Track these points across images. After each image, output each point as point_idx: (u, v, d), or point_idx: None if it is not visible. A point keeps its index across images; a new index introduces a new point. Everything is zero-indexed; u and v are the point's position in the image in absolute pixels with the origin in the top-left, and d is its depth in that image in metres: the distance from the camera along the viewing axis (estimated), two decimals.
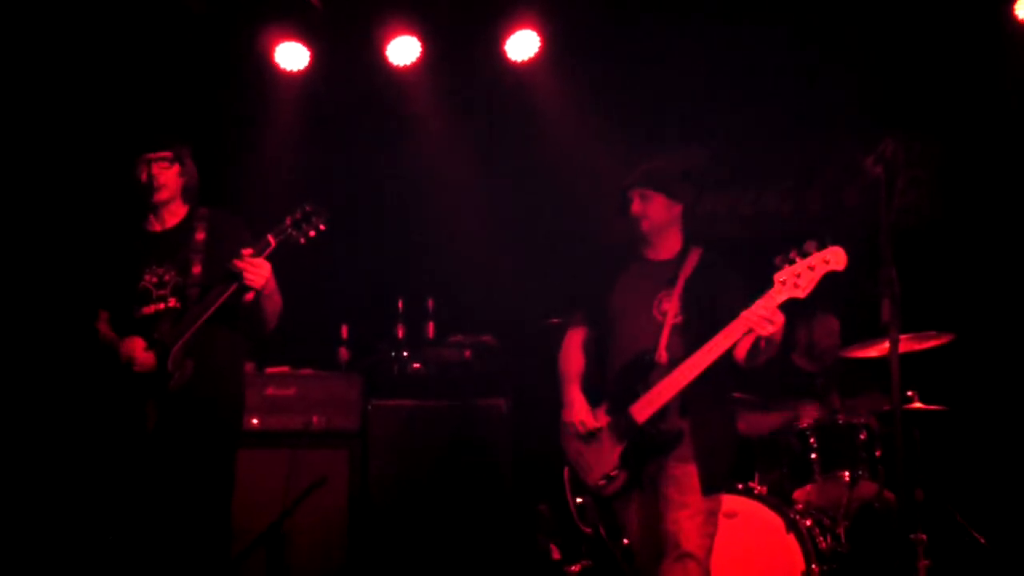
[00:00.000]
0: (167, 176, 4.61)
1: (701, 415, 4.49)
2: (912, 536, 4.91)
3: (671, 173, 4.79)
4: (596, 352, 4.76)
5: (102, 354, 4.49)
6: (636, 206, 4.64)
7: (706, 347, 4.33)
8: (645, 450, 4.46)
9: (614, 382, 4.56)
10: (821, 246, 4.19)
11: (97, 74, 6.47)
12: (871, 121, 6.68)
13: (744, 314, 4.23)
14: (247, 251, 4.35)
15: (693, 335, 4.48)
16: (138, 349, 4.39)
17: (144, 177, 4.58)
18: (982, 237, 6.63)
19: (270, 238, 4.41)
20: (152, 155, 4.59)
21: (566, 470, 4.67)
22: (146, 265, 4.55)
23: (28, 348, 6.19)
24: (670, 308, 4.55)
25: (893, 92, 6.71)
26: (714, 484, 4.48)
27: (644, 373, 4.47)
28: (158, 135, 4.65)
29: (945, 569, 5.26)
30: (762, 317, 4.19)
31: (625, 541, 4.63)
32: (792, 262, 4.21)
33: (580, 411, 4.57)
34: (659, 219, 4.65)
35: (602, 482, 4.50)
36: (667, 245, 4.71)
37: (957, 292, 6.41)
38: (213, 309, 4.38)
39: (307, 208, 4.47)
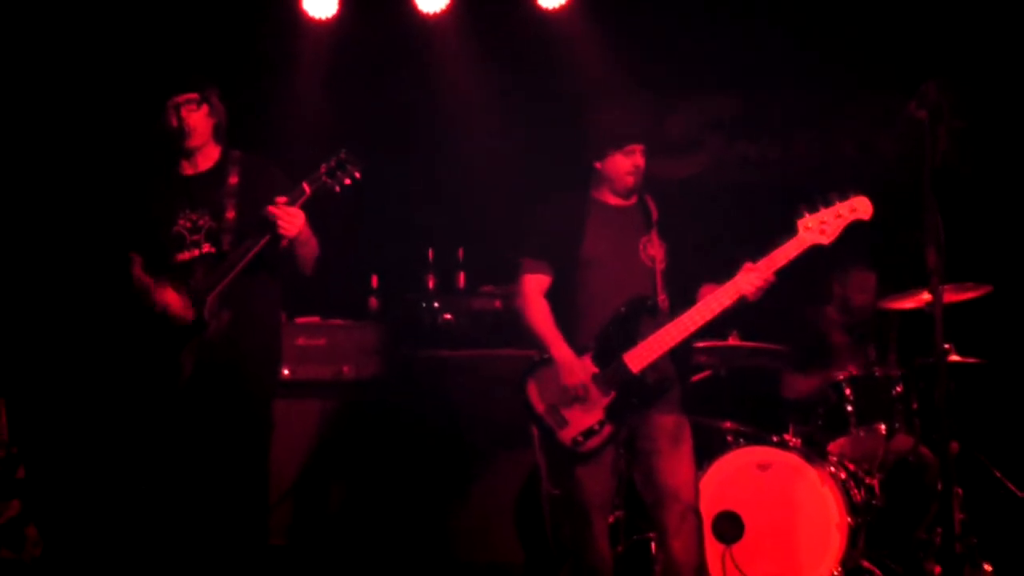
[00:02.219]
0: (196, 119, 4.55)
1: (684, 364, 4.58)
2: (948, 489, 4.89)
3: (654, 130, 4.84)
4: (556, 300, 4.61)
5: (137, 301, 4.45)
6: (640, 159, 4.59)
7: (706, 302, 4.35)
8: (634, 401, 4.41)
9: (601, 330, 4.45)
10: (844, 196, 4.26)
11: (128, 17, 6.44)
12: (907, 67, 6.57)
13: (738, 278, 4.29)
14: (281, 199, 4.31)
15: (676, 280, 4.52)
16: (174, 303, 4.37)
17: (174, 122, 4.52)
18: (1019, 188, 6.55)
19: (305, 186, 4.36)
20: (179, 98, 4.53)
21: (534, 428, 4.52)
22: (180, 209, 4.51)
23: (63, 295, 6.21)
24: (656, 253, 4.54)
25: (929, 39, 6.60)
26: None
27: (640, 321, 4.43)
28: (182, 77, 4.59)
29: (980, 523, 5.25)
30: (754, 286, 4.27)
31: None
32: (817, 210, 4.25)
33: (578, 371, 4.41)
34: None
35: (580, 438, 4.38)
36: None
37: (994, 243, 6.33)
38: (247, 259, 4.35)
39: (342, 156, 4.42)
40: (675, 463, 4.44)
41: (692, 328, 4.36)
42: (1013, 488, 5.65)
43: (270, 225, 4.29)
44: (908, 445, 5.45)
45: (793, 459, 5.26)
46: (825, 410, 5.57)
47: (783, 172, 7.27)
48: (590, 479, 4.44)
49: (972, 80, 6.65)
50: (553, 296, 4.60)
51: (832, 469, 5.26)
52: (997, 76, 6.62)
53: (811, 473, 5.20)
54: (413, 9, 6.68)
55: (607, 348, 4.43)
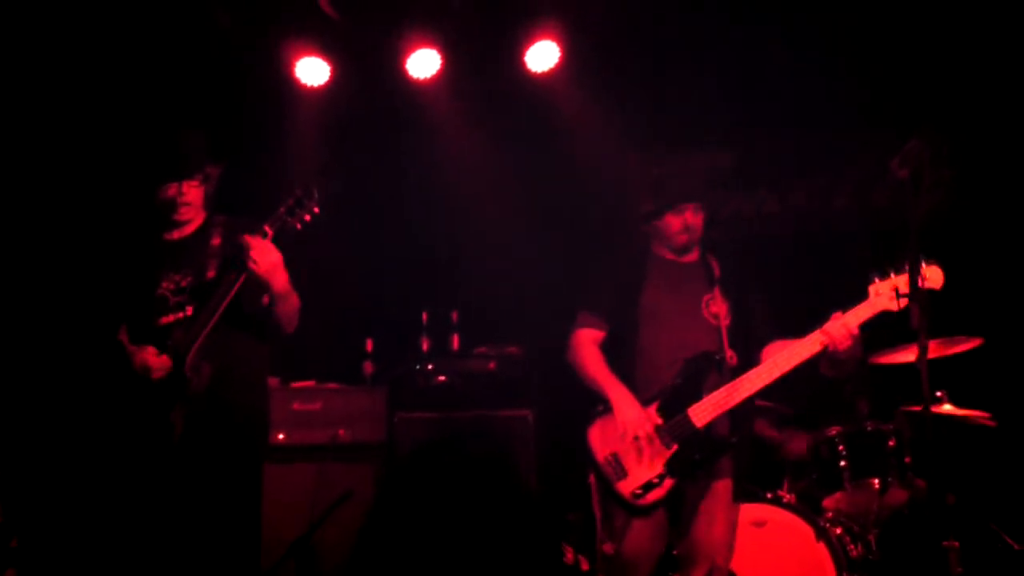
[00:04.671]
0: (194, 194, 4.64)
1: (745, 426, 4.53)
2: (944, 543, 4.86)
3: (708, 186, 4.86)
4: (615, 353, 4.65)
5: (123, 367, 4.50)
6: (691, 218, 4.64)
7: (784, 356, 4.35)
8: (696, 456, 4.39)
9: (668, 383, 4.45)
10: None
11: (119, 84, 6.52)
12: (899, 119, 6.62)
13: (829, 327, 4.29)
14: (247, 236, 4.35)
15: (741, 337, 4.53)
16: (151, 356, 4.40)
17: (172, 192, 4.59)
18: (1010, 238, 6.57)
19: (267, 228, 4.42)
20: (185, 178, 4.61)
21: (592, 477, 4.51)
22: (163, 272, 4.58)
23: (52, 362, 6.23)
24: (719, 310, 4.55)
25: (921, 90, 6.65)
26: (740, 496, 4.54)
27: (707, 376, 4.43)
28: (190, 160, 4.66)
29: None
30: (844, 335, 4.26)
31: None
32: (887, 276, 4.26)
33: (638, 412, 4.39)
34: (701, 231, 4.69)
35: (639, 491, 4.36)
36: (693, 251, 4.75)
37: (986, 295, 6.34)
38: (226, 303, 4.39)
39: (297, 193, 4.48)
40: (713, 523, 4.44)
41: (763, 383, 4.36)
42: (1010, 541, 5.62)
43: (241, 263, 4.33)
44: (903, 499, 5.45)
45: (788, 516, 5.25)
46: (819, 466, 5.57)
47: (779, 225, 7.32)
48: (644, 535, 4.43)
49: (965, 131, 6.71)
50: (612, 349, 4.63)
51: (827, 525, 5.25)
52: (991, 127, 6.66)
53: (806, 529, 5.20)
54: (404, 75, 6.75)
55: (672, 401, 4.43)
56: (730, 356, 4.45)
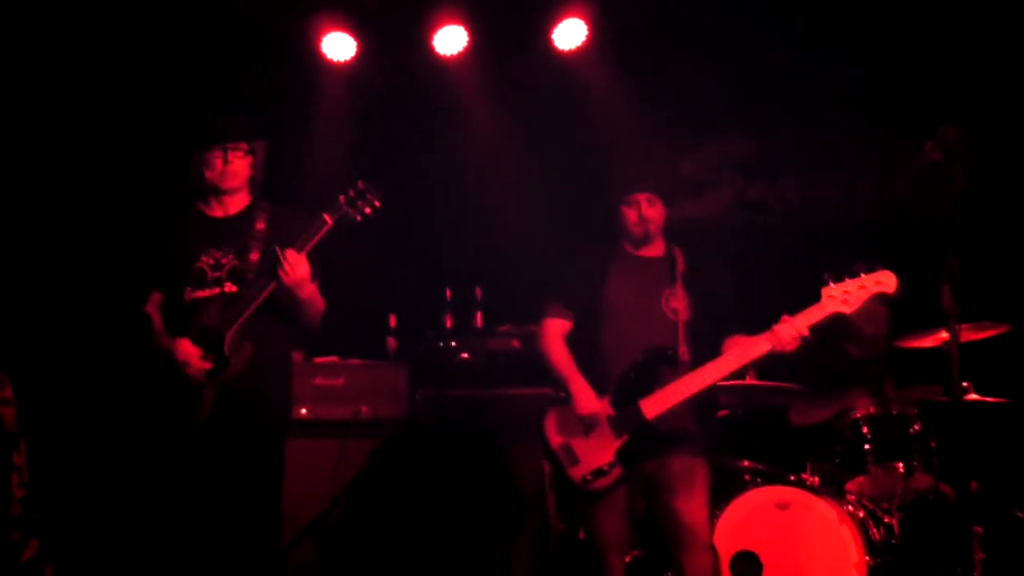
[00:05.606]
0: (240, 165, 4.60)
1: (705, 412, 4.74)
2: (968, 528, 4.85)
3: (666, 179, 5.05)
4: (580, 345, 4.76)
5: (156, 350, 4.48)
6: (646, 210, 4.74)
7: (734, 353, 4.47)
8: (647, 446, 4.51)
9: (620, 375, 4.57)
10: (871, 268, 4.37)
11: (154, 61, 6.55)
12: (922, 109, 6.58)
13: (777, 328, 4.38)
14: (289, 250, 4.33)
15: (698, 333, 4.65)
16: (194, 357, 4.38)
17: (220, 164, 4.56)
18: None
19: (326, 217, 4.40)
20: (230, 144, 4.58)
21: (546, 464, 4.71)
22: (203, 248, 4.55)
23: (83, 334, 6.25)
24: (679, 306, 4.66)
25: (946, 80, 6.61)
26: (712, 477, 4.68)
27: (659, 370, 4.54)
28: (240, 126, 4.64)
29: (1001, 562, 5.20)
30: (792, 337, 4.37)
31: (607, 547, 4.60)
32: (842, 279, 4.37)
33: (594, 405, 4.54)
34: (661, 223, 4.78)
35: (589, 477, 4.50)
36: (656, 244, 4.84)
37: (1013, 282, 6.31)
38: (260, 299, 4.38)
39: (360, 186, 4.47)
40: (690, 504, 4.53)
41: (713, 379, 4.49)
42: None
43: (273, 272, 4.33)
44: (927, 483, 5.43)
45: (811, 498, 5.23)
46: (843, 448, 5.56)
47: (800, 213, 7.29)
48: (605, 518, 4.56)
49: (989, 119, 6.66)
50: (577, 341, 4.75)
51: (851, 508, 5.24)
52: (1014, 115, 6.61)
53: (830, 512, 5.18)
54: (431, 51, 6.74)
55: (624, 393, 4.54)
56: (682, 352, 4.57)
